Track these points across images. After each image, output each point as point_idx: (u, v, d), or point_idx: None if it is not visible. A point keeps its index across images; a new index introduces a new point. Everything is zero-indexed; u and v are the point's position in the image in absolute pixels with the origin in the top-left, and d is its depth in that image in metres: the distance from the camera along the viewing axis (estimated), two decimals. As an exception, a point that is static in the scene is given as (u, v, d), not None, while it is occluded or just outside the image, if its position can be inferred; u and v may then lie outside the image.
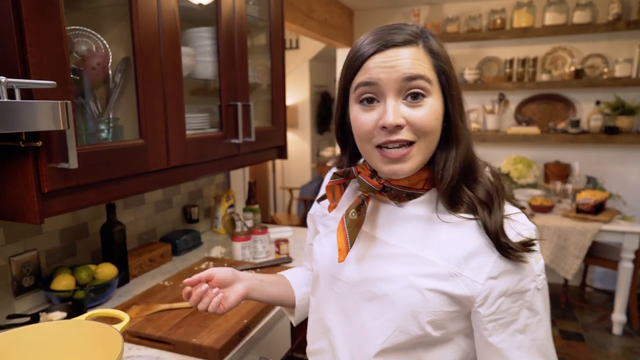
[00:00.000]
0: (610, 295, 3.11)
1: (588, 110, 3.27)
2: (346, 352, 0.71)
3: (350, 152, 0.77)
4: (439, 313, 0.63)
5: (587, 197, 2.80)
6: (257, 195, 2.09)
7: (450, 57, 0.67)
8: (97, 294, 1.21)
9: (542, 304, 0.63)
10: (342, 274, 0.72)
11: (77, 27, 1.03)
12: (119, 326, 0.84)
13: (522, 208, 0.69)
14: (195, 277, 0.80)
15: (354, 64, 0.65)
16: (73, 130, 0.88)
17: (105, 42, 1.06)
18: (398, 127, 0.61)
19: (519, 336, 0.62)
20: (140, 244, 1.59)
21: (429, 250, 0.65)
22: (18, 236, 1.17)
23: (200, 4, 1.43)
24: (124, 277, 1.36)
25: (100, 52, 1.04)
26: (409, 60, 0.61)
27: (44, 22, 0.84)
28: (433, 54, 0.64)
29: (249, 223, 1.79)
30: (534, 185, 3.38)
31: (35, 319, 1.07)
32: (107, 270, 1.26)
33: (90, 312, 0.90)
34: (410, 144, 0.62)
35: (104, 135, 1.17)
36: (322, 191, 0.85)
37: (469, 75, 3.45)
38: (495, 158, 3.55)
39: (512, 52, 3.43)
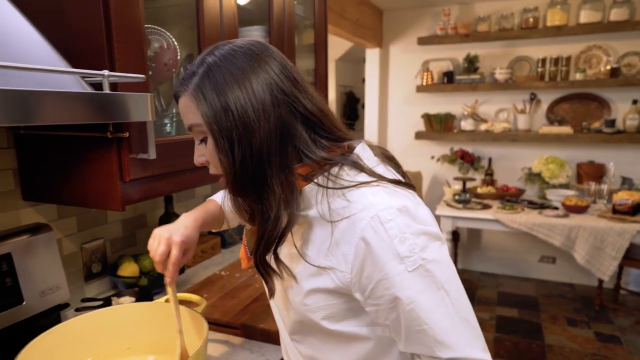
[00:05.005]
0: (646, 298, 3.05)
1: (624, 110, 3.22)
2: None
3: None
4: (326, 307, 0.66)
5: (625, 197, 2.76)
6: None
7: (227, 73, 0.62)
8: (159, 281, 1.26)
9: (416, 286, 0.59)
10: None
11: (150, 25, 1.08)
12: (199, 309, 0.88)
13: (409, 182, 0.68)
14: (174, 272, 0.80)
15: None
16: (152, 122, 0.93)
17: (174, 40, 1.11)
18: (203, 164, 0.68)
19: (401, 322, 0.61)
20: (190, 236, 1.64)
21: (310, 247, 0.66)
22: (87, 225, 1.23)
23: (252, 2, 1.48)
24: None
25: (171, 49, 1.09)
26: (182, 112, 0.66)
27: (127, 19, 0.90)
28: (197, 95, 0.62)
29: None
30: (566, 186, 3.34)
31: (107, 302, 1.13)
32: (167, 259, 1.31)
33: (166, 297, 0.95)
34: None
35: (167, 129, 1.23)
36: None
37: (500, 74, 3.43)
38: (526, 158, 3.52)
39: (544, 51, 3.39)
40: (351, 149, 0.67)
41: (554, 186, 3.34)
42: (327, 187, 0.64)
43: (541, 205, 3.09)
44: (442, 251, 0.62)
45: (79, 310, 1.11)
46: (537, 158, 3.41)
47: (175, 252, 0.77)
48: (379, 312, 0.63)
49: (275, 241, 0.64)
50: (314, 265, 0.65)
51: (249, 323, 1.03)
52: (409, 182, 0.70)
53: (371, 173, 0.65)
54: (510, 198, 3.28)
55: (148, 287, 1.23)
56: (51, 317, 1.03)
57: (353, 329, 0.68)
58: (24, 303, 0.94)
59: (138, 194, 0.99)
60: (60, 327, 0.82)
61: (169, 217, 1.41)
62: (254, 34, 1.50)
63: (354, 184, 0.63)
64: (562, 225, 2.75)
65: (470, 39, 3.44)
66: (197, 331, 0.81)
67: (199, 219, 0.87)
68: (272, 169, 0.61)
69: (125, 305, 0.94)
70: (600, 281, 2.96)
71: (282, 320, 0.79)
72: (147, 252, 1.36)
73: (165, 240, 0.78)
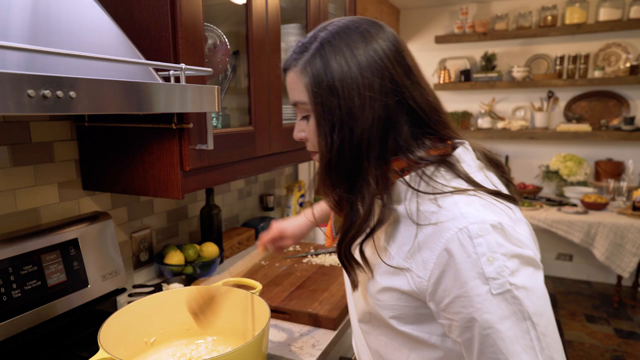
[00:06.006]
0: (665, 296, 3.06)
1: (643, 108, 3.23)
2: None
3: None
4: (398, 307, 0.63)
5: (645, 194, 2.77)
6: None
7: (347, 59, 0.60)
8: (203, 270, 1.31)
9: (499, 311, 0.53)
10: None
11: (205, 23, 1.12)
12: (255, 292, 0.93)
13: (498, 193, 0.60)
14: (269, 237, 1.01)
15: None
16: (211, 114, 0.97)
17: (225, 37, 1.15)
18: (302, 140, 0.70)
19: (474, 344, 0.55)
20: (226, 228, 1.69)
21: (391, 245, 0.63)
22: (136, 215, 1.28)
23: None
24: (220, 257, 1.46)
25: (223, 46, 1.13)
26: (289, 87, 0.67)
27: (190, 17, 0.94)
28: (306, 72, 0.62)
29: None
30: (584, 183, 3.35)
31: (158, 288, 1.18)
32: (210, 249, 1.36)
33: (224, 280, 1.00)
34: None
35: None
36: None
37: (517, 72, 3.45)
38: (543, 156, 3.54)
39: (562, 49, 3.41)
40: (453, 150, 0.64)
41: (572, 184, 3.36)
42: (419, 191, 0.60)
43: (560, 203, 3.11)
44: (535, 278, 0.56)
45: (132, 295, 1.16)
46: (555, 156, 3.42)
47: (270, 232, 1.01)
48: (452, 328, 0.58)
49: (362, 235, 0.62)
50: (392, 265, 0.62)
51: (297, 308, 1.08)
52: (512, 194, 0.64)
53: (468, 180, 0.60)
54: (528, 195, 3.30)
55: (194, 275, 1.28)
56: (109, 301, 1.08)
57: (422, 334, 0.64)
58: (89, 286, 0.99)
59: (195, 183, 1.03)
60: (128, 308, 0.87)
61: (210, 209, 1.45)
62: (291, 31, 1.54)
63: (449, 190, 0.59)
64: (581, 222, 2.77)
65: (488, 38, 3.47)
66: (259, 313, 0.85)
67: (309, 214, 1.05)
68: (370, 161, 0.59)
69: (185, 289, 0.98)
70: (619, 278, 2.97)
71: (355, 307, 0.77)
72: (190, 242, 1.41)
73: (270, 224, 1.02)
